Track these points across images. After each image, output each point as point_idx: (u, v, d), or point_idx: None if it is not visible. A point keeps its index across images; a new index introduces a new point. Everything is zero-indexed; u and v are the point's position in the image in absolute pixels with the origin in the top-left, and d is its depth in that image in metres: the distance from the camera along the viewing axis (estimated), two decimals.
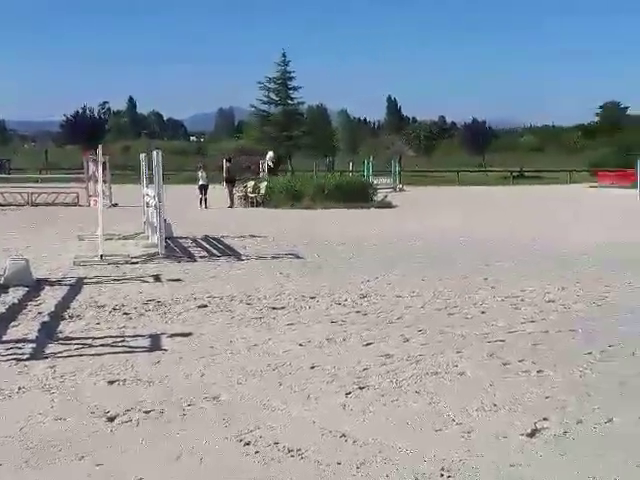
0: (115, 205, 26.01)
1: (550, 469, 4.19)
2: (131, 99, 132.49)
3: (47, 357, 6.47)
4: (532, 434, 4.66)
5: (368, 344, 6.93)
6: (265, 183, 28.98)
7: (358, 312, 8.41)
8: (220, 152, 53.88)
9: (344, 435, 4.64)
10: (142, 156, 16.65)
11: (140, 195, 17.16)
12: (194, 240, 15.85)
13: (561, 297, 9.29)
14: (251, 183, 29.40)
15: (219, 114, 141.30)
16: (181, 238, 15.96)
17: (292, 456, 4.35)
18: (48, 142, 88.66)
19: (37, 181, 35.84)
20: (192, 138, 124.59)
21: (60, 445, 4.51)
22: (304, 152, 65.15)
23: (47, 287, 9.97)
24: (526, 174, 56.87)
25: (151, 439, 4.62)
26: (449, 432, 4.71)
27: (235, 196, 28.63)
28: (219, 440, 4.59)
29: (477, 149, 74.30)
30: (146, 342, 7.01)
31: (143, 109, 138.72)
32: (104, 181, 18.12)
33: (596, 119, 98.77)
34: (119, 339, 7.13)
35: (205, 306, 8.75)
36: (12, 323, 7.76)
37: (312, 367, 6.16)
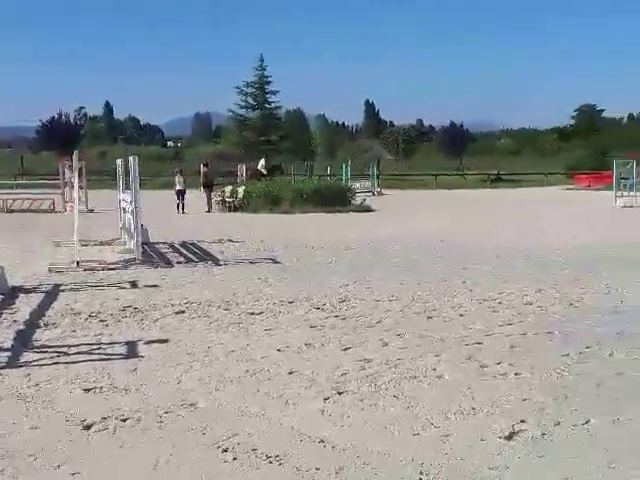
0: (91, 211, 25.84)
1: (528, 471, 4.20)
2: (107, 104, 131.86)
3: (22, 366, 6.39)
4: (510, 437, 4.67)
5: (347, 349, 6.92)
6: (243, 188, 28.92)
7: (337, 316, 8.40)
8: (197, 157, 53.73)
9: (323, 440, 4.63)
10: (119, 161, 16.55)
11: (116, 201, 17.05)
12: (171, 245, 15.78)
13: (538, 299, 9.34)
14: (229, 188, 29.34)
15: (196, 119, 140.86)
16: (158, 243, 15.88)
17: (271, 462, 4.33)
18: (23, 148, 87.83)
19: (13, 187, 35.54)
20: (169, 143, 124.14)
21: (36, 454, 4.46)
22: (282, 157, 65.17)
23: (22, 295, 9.87)
24: (503, 177, 57.24)
25: (128, 447, 4.58)
26: (427, 436, 4.71)
27: (213, 201, 28.56)
28: (197, 447, 4.55)
29: (455, 152, 74.63)
30: (123, 349, 6.96)
31: (120, 114, 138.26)
32: (80, 187, 17.97)
33: (572, 122, 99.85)
34: (95, 346, 7.06)
35: (182, 312, 8.70)
36: None
37: (290, 372, 6.13)
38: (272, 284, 10.72)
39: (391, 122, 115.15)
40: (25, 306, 9.08)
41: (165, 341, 7.24)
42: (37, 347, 7.06)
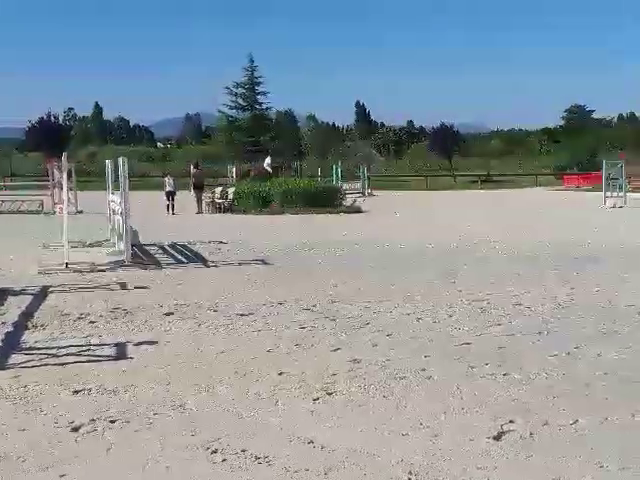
0: (80, 212, 25.74)
1: (517, 471, 4.21)
2: (97, 105, 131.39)
3: (11, 367, 6.37)
4: (499, 437, 4.68)
5: (336, 349, 6.93)
6: (233, 189, 28.91)
7: (327, 317, 8.40)
8: (187, 158, 53.64)
9: (312, 441, 4.63)
10: (108, 162, 16.51)
11: (106, 202, 17.00)
12: (161, 247, 15.74)
13: (527, 299, 9.37)
14: (219, 189, 29.32)
15: (186, 119, 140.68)
16: (148, 245, 15.84)
17: (260, 463, 4.32)
18: (11, 149, 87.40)
19: (1, 188, 35.38)
20: (159, 144, 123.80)
21: (24, 456, 4.44)
22: (273, 158, 65.12)
23: (11, 296, 9.82)
24: (493, 178, 57.44)
25: (117, 449, 4.56)
26: (416, 436, 4.71)
27: (203, 202, 28.53)
28: (186, 449, 4.54)
29: (445, 154, 74.75)
30: (112, 351, 6.93)
31: (109, 115, 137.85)
32: (69, 188, 17.90)
33: (561, 123, 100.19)
34: (84, 348, 7.04)
35: (172, 313, 8.68)
36: None
37: (280, 373, 6.13)
38: (262, 285, 10.71)
39: (382, 123, 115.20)
40: (14, 308, 9.04)
41: (154, 342, 7.23)
42: (25, 349, 7.03)
